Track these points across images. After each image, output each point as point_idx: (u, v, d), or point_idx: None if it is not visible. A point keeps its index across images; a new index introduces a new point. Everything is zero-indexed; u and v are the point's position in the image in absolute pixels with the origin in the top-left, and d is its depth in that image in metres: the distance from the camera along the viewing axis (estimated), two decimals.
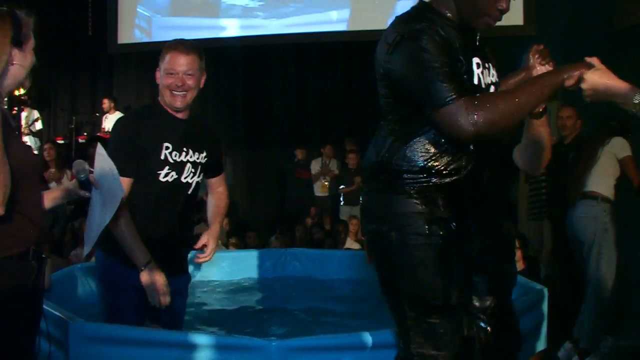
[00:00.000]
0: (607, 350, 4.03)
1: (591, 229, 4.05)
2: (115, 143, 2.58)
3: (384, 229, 1.90)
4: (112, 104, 9.41)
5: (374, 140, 2.00)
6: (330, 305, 4.08)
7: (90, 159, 2.44)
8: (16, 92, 8.82)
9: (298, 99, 9.65)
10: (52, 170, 7.52)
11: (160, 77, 2.59)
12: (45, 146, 8.06)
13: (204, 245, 2.80)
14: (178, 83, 2.54)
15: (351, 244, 6.65)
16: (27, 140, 8.84)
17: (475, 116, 1.68)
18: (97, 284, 2.73)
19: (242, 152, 9.60)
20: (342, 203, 8.01)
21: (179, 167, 2.59)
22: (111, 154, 2.25)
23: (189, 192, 2.65)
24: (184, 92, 2.56)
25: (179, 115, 2.62)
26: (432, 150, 1.85)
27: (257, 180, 9.63)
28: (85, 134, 9.70)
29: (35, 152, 7.78)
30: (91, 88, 10.77)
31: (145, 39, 9.17)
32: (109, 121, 9.17)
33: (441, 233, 1.85)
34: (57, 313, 2.55)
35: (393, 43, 1.81)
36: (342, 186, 8.03)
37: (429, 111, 1.76)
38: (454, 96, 1.70)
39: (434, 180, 1.86)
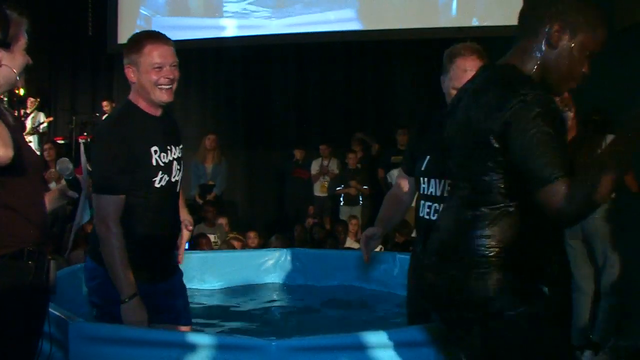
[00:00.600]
0: (607, 350, 4.05)
1: (604, 227, 4.12)
2: (104, 158, 2.34)
3: (477, 315, 1.75)
4: (113, 105, 9.40)
5: (446, 213, 1.90)
6: (330, 305, 4.08)
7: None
8: (21, 93, 8.83)
9: (298, 99, 9.64)
10: (52, 170, 7.51)
11: (139, 73, 2.36)
12: (45, 146, 8.06)
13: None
14: (169, 76, 2.37)
15: (351, 243, 6.65)
16: (31, 139, 8.86)
17: (577, 196, 1.59)
18: (90, 294, 2.58)
19: (242, 152, 9.59)
20: (342, 203, 8.01)
21: (168, 168, 2.46)
22: (102, 170, 2.11)
23: (177, 190, 2.56)
24: (171, 86, 2.39)
25: (157, 113, 2.45)
26: (522, 228, 1.74)
27: (257, 180, 9.62)
28: (85, 134, 9.69)
29: (37, 152, 7.80)
30: (91, 88, 10.76)
31: None
32: None
33: (546, 307, 1.74)
34: (57, 313, 2.54)
35: (507, 109, 1.66)
36: (338, 188, 8.04)
37: (534, 186, 1.64)
38: (561, 173, 1.61)
39: (521, 260, 1.74)
